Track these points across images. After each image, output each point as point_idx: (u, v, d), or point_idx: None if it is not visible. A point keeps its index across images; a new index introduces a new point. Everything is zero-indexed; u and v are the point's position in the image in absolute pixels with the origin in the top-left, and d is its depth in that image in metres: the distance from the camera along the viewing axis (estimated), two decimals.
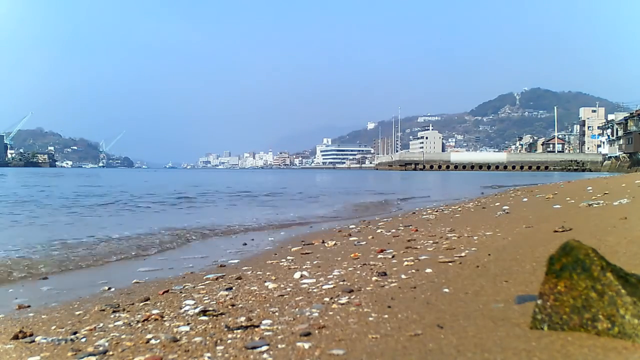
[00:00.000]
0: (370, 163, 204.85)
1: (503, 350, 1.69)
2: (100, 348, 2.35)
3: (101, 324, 2.90)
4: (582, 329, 1.70)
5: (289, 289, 3.39)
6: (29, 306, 3.80)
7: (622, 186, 9.62)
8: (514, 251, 3.80)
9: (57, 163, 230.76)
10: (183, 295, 3.66)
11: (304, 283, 3.56)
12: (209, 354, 2.09)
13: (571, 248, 1.78)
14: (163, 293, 3.86)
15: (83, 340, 2.56)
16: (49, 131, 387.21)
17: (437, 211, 10.05)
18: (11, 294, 4.41)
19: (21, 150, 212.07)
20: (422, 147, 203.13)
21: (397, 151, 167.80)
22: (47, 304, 3.87)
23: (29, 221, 10.31)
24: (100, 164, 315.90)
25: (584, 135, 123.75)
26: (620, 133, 77.92)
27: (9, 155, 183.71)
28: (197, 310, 2.94)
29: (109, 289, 4.35)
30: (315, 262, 4.60)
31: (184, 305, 3.19)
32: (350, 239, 6.38)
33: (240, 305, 3.01)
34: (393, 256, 4.43)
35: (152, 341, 2.36)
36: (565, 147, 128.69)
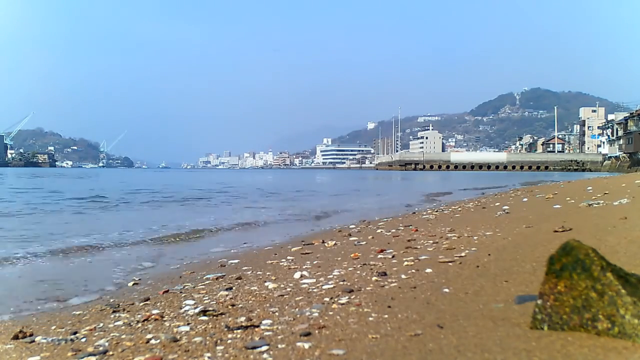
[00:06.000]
0: (370, 163, 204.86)
1: (503, 350, 1.69)
2: (100, 348, 2.35)
3: (101, 324, 2.90)
4: (582, 329, 1.70)
5: (289, 289, 3.39)
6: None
7: (622, 186, 9.62)
8: (514, 251, 3.79)
9: (57, 163, 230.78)
10: (183, 295, 3.66)
11: (304, 283, 3.56)
12: (209, 354, 2.09)
13: (571, 248, 1.78)
14: (163, 293, 3.87)
15: (83, 340, 2.56)
16: (49, 131, 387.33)
17: (437, 211, 10.05)
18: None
19: (21, 150, 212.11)
20: (422, 147, 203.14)
21: (397, 151, 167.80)
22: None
23: None
24: (100, 164, 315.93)
25: (584, 135, 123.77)
26: (620, 133, 77.93)
27: (9, 155, 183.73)
28: (197, 310, 2.94)
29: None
30: (315, 262, 4.60)
31: (184, 305, 3.19)
32: (350, 239, 6.38)
33: (240, 305, 3.01)
34: (393, 256, 4.43)
35: (152, 341, 2.36)
36: (565, 147, 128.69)
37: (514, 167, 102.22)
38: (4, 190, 21.82)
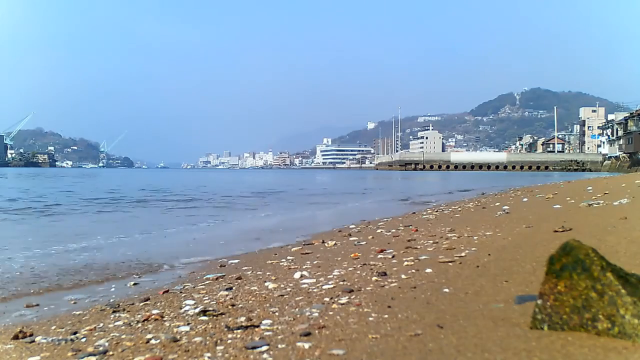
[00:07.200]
0: (370, 163, 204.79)
1: (503, 350, 1.69)
2: (100, 348, 2.35)
3: (101, 324, 2.91)
4: (582, 329, 1.70)
5: (289, 289, 3.39)
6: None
7: (622, 186, 9.62)
8: (514, 251, 3.79)
9: (57, 163, 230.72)
10: (183, 295, 3.66)
11: (304, 283, 3.56)
12: (209, 354, 2.09)
13: (571, 248, 1.78)
14: (163, 293, 3.87)
15: (83, 340, 2.56)
16: (49, 131, 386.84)
17: (437, 211, 10.05)
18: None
19: (21, 150, 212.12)
20: (422, 147, 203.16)
21: (397, 151, 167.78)
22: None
23: None
24: (100, 164, 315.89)
25: (584, 135, 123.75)
26: (620, 133, 77.93)
27: (9, 155, 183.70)
28: (197, 310, 2.94)
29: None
30: (315, 262, 4.60)
31: (184, 305, 3.19)
32: (350, 239, 6.38)
33: (240, 305, 3.01)
34: (393, 256, 4.43)
35: (152, 341, 2.36)
36: (565, 147, 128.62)
37: (514, 167, 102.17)
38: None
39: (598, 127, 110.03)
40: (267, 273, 4.29)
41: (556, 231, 4.54)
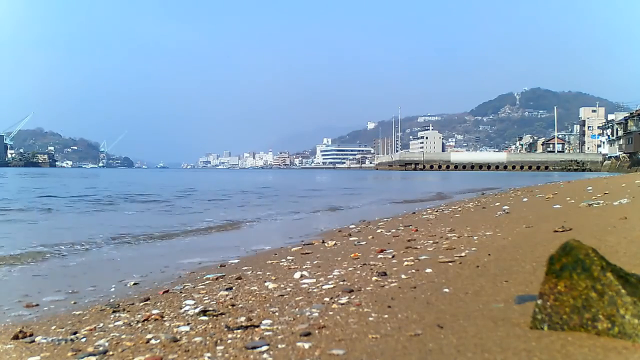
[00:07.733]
0: (370, 163, 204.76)
1: (503, 350, 1.69)
2: (100, 348, 2.35)
3: (101, 324, 2.91)
4: (582, 329, 1.70)
5: (289, 289, 3.39)
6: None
7: (622, 186, 9.62)
8: (514, 251, 3.80)
9: (57, 163, 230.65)
10: (183, 295, 3.66)
11: (304, 283, 3.56)
12: (209, 354, 2.09)
13: (571, 248, 1.78)
14: (163, 293, 3.87)
15: (83, 340, 2.56)
16: (49, 131, 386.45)
17: (437, 211, 10.06)
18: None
19: (21, 150, 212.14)
20: (422, 147, 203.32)
21: (397, 151, 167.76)
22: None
23: None
24: (100, 164, 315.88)
25: (584, 135, 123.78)
26: (620, 133, 77.95)
27: (9, 155, 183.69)
28: (197, 310, 2.94)
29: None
30: (315, 262, 4.60)
31: (184, 305, 3.19)
32: (350, 239, 6.38)
33: (240, 305, 3.01)
34: (393, 256, 4.43)
35: (152, 341, 2.36)
36: (565, 147, 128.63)
37: (514, 167, 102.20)
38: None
39: (598, 127, 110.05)
40: (267, 273, 4.28)
41: (556, 231, 4.54)
